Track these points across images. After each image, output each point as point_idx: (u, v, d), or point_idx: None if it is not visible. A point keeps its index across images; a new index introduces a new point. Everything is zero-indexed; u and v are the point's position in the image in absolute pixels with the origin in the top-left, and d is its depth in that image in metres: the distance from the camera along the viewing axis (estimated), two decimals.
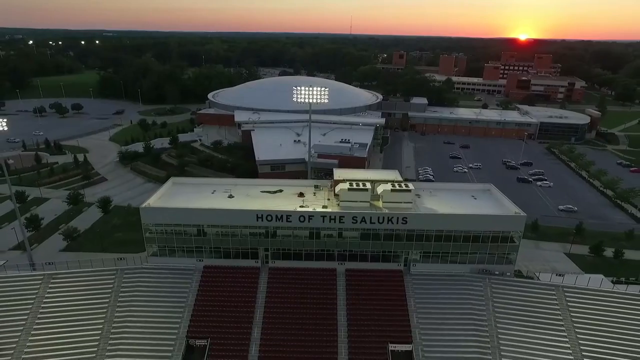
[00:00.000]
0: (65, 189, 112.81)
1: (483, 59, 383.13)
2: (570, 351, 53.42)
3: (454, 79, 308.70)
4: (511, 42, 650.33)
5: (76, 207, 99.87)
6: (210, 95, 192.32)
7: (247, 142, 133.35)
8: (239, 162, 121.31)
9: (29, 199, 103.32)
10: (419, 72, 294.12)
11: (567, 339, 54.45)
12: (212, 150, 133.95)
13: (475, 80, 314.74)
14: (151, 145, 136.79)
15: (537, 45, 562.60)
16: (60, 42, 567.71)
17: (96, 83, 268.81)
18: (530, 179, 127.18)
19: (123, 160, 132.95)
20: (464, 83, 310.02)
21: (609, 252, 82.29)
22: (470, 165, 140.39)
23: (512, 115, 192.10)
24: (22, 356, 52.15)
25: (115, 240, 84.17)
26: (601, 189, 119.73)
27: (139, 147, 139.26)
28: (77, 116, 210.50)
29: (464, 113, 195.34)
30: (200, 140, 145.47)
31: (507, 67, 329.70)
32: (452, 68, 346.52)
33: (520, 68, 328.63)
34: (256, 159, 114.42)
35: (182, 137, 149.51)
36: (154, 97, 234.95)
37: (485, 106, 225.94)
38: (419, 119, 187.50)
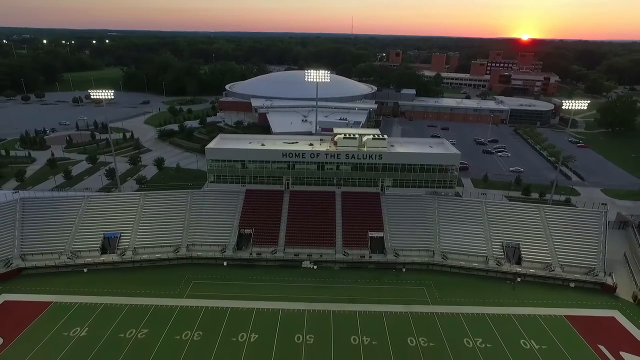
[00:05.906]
0: (121, 156, 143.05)
1: (476, 57, 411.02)
2: (484, 237, 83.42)
3: (444, 74, 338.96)
4: (509, 42, 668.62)
5: (135, 167, 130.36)
6: (227, 87, 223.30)
7: (263, 122, 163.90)
8: None
9: (97, 161, 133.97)
10: (409, 67, 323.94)
11: (483, 230, 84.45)
12: (235, 128, 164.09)
13: (462, 75, 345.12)
14: (185, 125, 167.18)
15: (533, 45, 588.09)
16: (73, 42, 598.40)
17: (120, 78, 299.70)
18: (492, 151, 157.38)
19: (161, 136, 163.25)
20: (452, 78, 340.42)
21: (536, 195, 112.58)
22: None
23: (488, 104, 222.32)
24: (136, 239, 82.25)
25: (172, 187, 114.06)
26: (547, 157, 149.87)
27: (173, 126, 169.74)
28: (109, 105, 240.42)
29: (447, 102, 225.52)
30: (223, 121, 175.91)
31: (492, 64, 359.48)
32: (442, 65, 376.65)
33: (505, 65, 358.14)
34: (272, 132, 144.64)
35: (208, 120, 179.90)
36: (175, 89, 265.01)
37: (468, 97, 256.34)
38: (407, 107, 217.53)
